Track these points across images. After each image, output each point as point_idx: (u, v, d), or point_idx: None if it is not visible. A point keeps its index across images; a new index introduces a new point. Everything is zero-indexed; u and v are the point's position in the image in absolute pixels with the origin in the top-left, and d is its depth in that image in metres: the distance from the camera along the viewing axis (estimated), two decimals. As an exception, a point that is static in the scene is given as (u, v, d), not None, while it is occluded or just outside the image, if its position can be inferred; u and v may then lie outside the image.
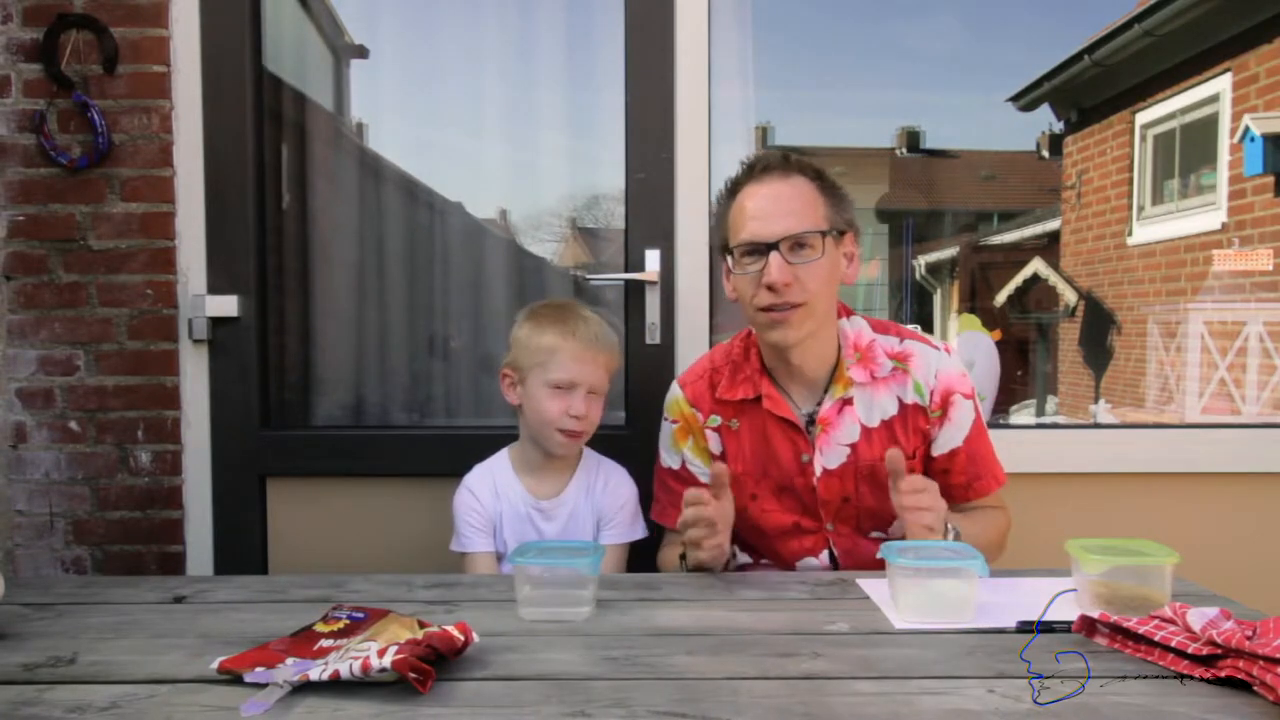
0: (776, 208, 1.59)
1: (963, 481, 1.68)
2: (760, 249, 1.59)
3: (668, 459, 1.79)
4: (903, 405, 1.66)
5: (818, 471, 1.66)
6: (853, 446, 1.65)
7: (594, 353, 1.76)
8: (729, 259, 1.66)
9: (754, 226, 1.60)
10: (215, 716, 0.97)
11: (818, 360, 1.67)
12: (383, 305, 2.47)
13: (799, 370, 1.67)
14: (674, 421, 1.77)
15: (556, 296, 2.47)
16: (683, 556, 1.58)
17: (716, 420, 1.73)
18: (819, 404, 1.67)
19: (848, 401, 1.66)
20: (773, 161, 1.65)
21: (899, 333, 1.71)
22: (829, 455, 1.65)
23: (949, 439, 1.67)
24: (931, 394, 1.65)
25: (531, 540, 1.72)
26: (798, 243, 1.58)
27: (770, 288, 1.57)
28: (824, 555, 1.70)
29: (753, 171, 1.65)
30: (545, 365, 1.74)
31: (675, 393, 1.79)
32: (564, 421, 1.74)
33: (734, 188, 1.67)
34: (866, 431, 1.65)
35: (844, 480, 1.66)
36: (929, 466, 1.68)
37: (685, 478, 1.75)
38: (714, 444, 1.74)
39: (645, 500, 1.87)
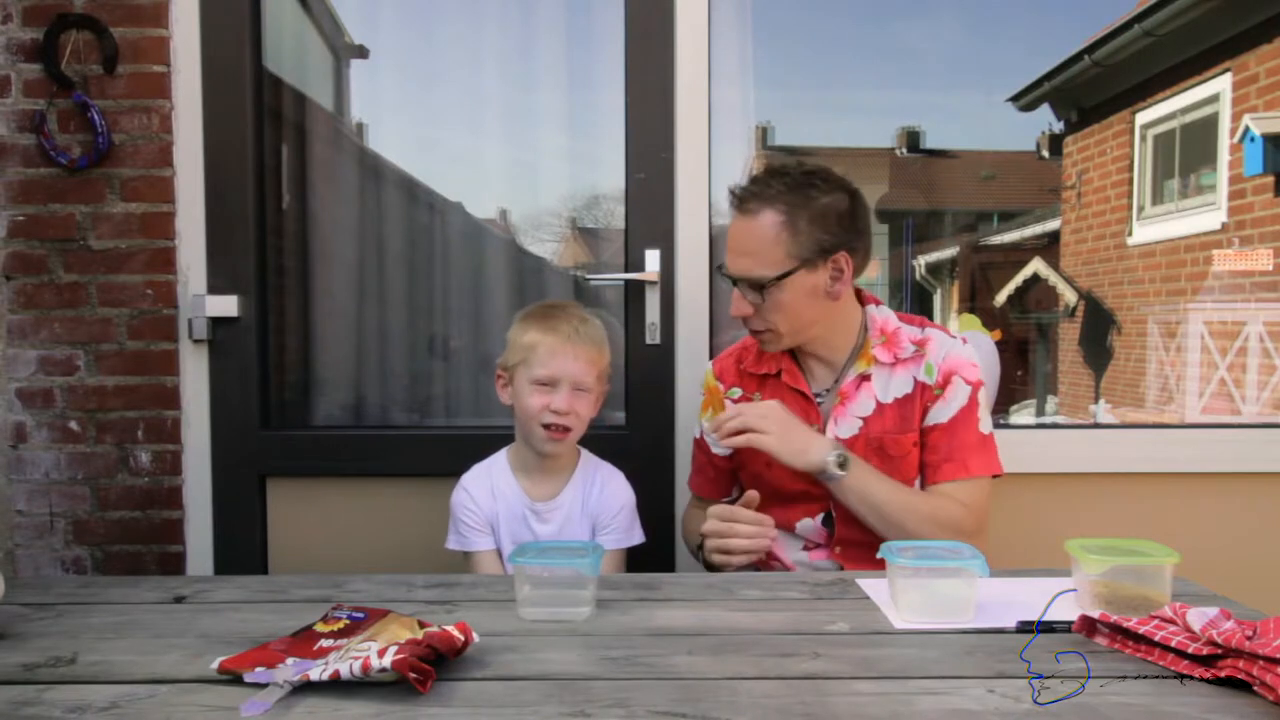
0: (738, 246, 1.69)
1: (933, 461, 1.73)
2: (730, 279, 1.71)
3: (696, 429, 1.93)
4: (916, 384, 1.74)
5: None
6: (865, 419, 1.73)
7: (573, 346, 1.75)
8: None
9: (726, 257, 1.73)
10: (215, 716, 0.97)
11: (831, 348, 1.77)
12: (383, 305, 2.47)
13: (815, 354, 1.78)
14: (703, 395, 1.91)
15: (556, 297, 2.47)
16: (700, 546, 1.68)
17: (737, 392, 1.84)
18: (837, 381, 1.77)
19: (866, 377, 1.75)
20: (748, 194, 1.69)
21: (922, 324, 1.80)
22: (842, 425, 1.73)
23: (937, 415, 1.72)
24: (938, 372, 1.73)
25: (528, 541, 1.73)
26: (752, 283, 1.67)
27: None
28: (819, 517, 1.75)
29: (733, 201, 1.72)
30: (528, 362, 1.76)
31: (706, 368, 1.94)
32: (545, 416, 1.74)
33: (730, 207, 1.75)
34: (880, 406, 1.74)
35: (854, 450, 1.71)
36: (920, 440, 1.76)
37: (702, 445, 1.89)
38: None
39: (644, 507, 1.87)
